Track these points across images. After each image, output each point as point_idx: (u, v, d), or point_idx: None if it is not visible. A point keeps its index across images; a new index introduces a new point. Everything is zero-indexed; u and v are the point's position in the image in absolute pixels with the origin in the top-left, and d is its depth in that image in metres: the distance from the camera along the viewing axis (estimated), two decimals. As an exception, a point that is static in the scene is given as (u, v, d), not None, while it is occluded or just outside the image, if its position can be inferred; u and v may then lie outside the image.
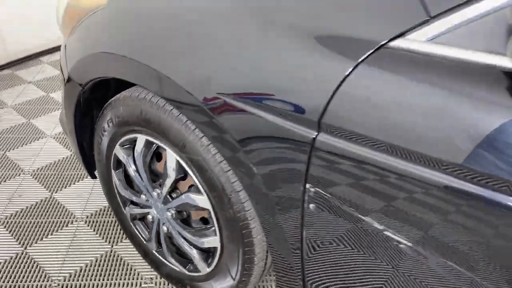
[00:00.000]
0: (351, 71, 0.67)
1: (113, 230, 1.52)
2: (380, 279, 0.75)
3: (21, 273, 1.36)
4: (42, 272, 1.36)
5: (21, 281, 1.33)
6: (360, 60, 0.66)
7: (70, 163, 1.87)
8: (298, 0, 0.78)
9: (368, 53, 0.66)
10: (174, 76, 0.88)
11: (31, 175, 1.79)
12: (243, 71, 0.79)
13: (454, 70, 0.61)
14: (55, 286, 1.32)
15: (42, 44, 2.95)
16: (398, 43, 0.65)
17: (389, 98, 0.64)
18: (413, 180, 0.63)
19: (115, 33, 1.02)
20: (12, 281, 1.33)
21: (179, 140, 0.96)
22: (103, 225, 1.55)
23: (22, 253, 1.43)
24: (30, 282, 1.33)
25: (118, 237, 1.49)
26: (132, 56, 0.96)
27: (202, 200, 1.01)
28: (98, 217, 1.58)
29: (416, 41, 0.64)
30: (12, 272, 1.36)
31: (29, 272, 1.36)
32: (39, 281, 1.34)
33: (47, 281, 1.34)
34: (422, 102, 0.61)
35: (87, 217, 1.58)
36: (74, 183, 1.74)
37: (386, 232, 0.71)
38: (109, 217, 1.58)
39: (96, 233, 1.51)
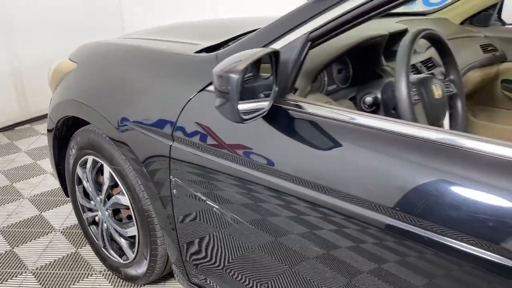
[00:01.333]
0: (191, 97, 1.12)
1: None
2: (227, 241, 1.15)
3: None
4: None
5: None
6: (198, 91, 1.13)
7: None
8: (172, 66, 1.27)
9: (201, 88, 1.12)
10: (103, 113, 1.37)
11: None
12: (136, 108, 1.27)
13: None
14: None
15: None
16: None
17: (211, 114, 1.07)
18: (230, 174, 1.04)
19: (75, 88, 1.54)
20: None
21: (109, 156, 1.43)
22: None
23: None
24: None
25: None
26: (84, 102, 1.46)
27: (124, 199, 1.45)
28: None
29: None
30: None
31: None
32: None
33: None
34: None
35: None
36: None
37: (222, 209, 1.11)
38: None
39: None
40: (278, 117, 0.98)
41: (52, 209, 2.19)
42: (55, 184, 2.42)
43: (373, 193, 0.80)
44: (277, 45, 0.99)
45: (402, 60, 1.07)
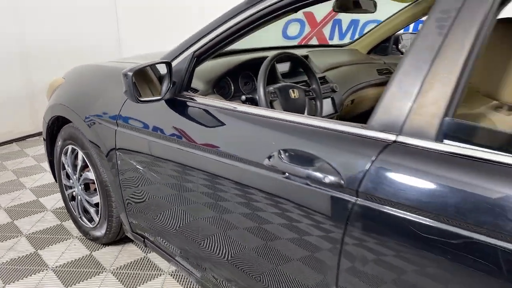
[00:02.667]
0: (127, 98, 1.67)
1: None
2: (157, 201, 1.66)
3: None
4: None
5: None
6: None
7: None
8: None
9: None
10: (77, 111, 1.93)
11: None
12: (96, 107, 1.82)
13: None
14: None
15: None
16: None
17: (137, 107, 1.61)
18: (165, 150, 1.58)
19: (61, 95, 2.12)
20: None
21: (81, 143, 1.97)
22: None
23: None
24: None
25: None
26: (65, 104, 2.03)
27: (91, 174, 1.98)
28: None
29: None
30: None
31: None
32: None
33: None
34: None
35: None
36: None
37: (151, 174, 1.63)
38: None
39: None
40: (177, 106, 1.50)
41: (49, 195, 2.74)
42: (51, 179, 2.97)
43: (246, 152, 1.25)
44: (179, 59, 1.53)
45: (261, 74, 1.61)
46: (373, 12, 1.90)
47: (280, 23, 4.69)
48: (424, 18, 2.18)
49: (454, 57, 0.88)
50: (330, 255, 1.03)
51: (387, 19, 2.47)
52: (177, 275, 1.96)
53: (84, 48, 4.10)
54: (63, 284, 1.88)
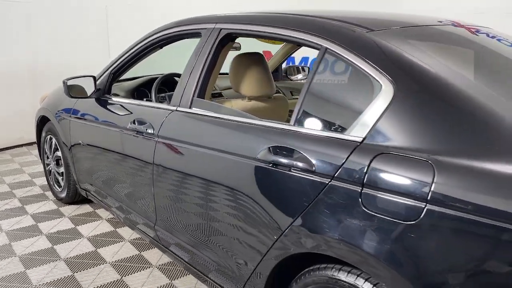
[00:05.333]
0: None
1: None
2: (96, 166, 2.66)
3: None
4: None
5: None
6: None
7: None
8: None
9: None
10: (51, 111, 2.97)
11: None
12: (60, 106, 2.85)
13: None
14: None
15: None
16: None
17: (83, 103, 2.63)
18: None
19: (46, 102, 3.17)
20: None
21: (54, 133, 3.01)
22: None
23: None
24: None
25: None
26: (47, 107, 3.08)
27: (59, 153, 3.00)
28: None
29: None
30: None
31: None
32: None
33: None
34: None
35: None
36: None
37: (91, 147, 2.63)
38: None
39: None
40: (101, 103, 2.50)
41: (42, 177, 3.77)
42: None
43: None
44: (104, 74, 2.54)
45: (154, 86, 2.58)
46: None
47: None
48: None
49: (196, 72, 1.84)
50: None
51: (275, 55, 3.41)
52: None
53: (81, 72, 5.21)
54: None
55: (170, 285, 2.18)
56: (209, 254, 1.76)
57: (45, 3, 4.80)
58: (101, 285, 2.17)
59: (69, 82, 2.40)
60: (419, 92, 1.20)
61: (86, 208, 3.13)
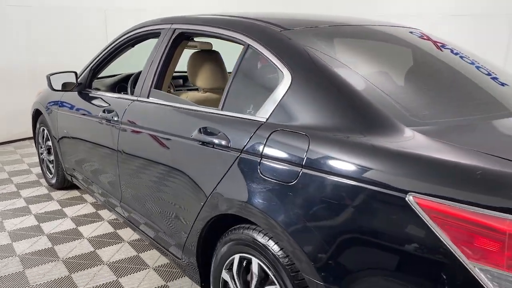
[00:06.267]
0: (64, 93, 3.00)
1: None
2: (79, 153, 2.96)
3: None
4: None
5: None
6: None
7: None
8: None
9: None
10: (43, 104, 3.28)
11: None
12: (49, 99, 3.16)
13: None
14: None
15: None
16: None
17: (67, 96, 2.93)
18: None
19: (40, 96, 3.49)
20: None
21: (46, 124, 3.32)
22: None
23: None
24: None
25: None
26: (39, 101, 3.39)
27: (50, 143, 3.31)
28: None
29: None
30: None
31: None
32: None
33: None
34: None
35: None
36: None
37: (74, 136, 2.93)
38: None
39: None
40: (82, 96, 2.80)
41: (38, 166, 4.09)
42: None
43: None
44: (86, 70, 2.83)
45: (129, 82, 2.86)
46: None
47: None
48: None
49: (154, 67, 2.12)
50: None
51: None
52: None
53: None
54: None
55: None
56: (162, 226, 2.02)
57: (45, 7, 5.16)
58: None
59: (53, 77, 2.70)
60: (308, 80, 1.44)
61: (74, 193, 3.43)
